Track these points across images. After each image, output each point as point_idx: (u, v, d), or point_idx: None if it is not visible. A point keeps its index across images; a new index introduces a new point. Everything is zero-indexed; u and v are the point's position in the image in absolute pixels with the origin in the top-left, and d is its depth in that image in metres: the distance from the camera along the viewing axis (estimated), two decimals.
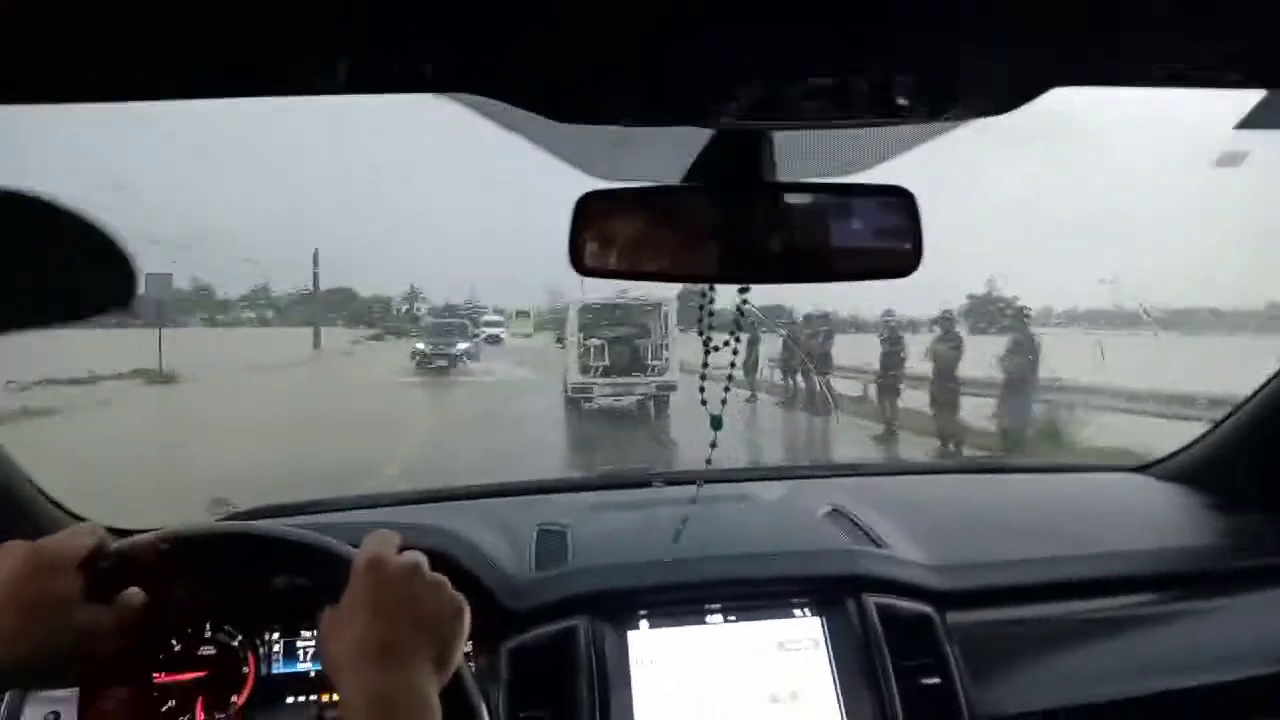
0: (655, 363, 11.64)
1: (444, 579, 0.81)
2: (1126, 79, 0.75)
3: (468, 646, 1.11)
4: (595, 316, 11.95)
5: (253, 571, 1.02)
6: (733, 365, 1.11)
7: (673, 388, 11.13)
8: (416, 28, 0.61)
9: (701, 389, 1.15)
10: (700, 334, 1.05)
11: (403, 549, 0.82)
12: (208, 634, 1.08)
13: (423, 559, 0.81)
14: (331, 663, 0.74)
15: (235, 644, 1.08)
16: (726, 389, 1.10)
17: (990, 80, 0.70)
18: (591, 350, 11.55)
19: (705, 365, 1.11)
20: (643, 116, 0.73)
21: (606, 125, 0.74)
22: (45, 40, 0.59)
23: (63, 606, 0.75)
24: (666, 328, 11.75)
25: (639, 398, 11.53)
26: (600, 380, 11.43)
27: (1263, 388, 1.55)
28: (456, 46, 0.64)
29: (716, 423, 1.14)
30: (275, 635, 1.10)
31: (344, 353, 23.28)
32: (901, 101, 0.66)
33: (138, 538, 0.87)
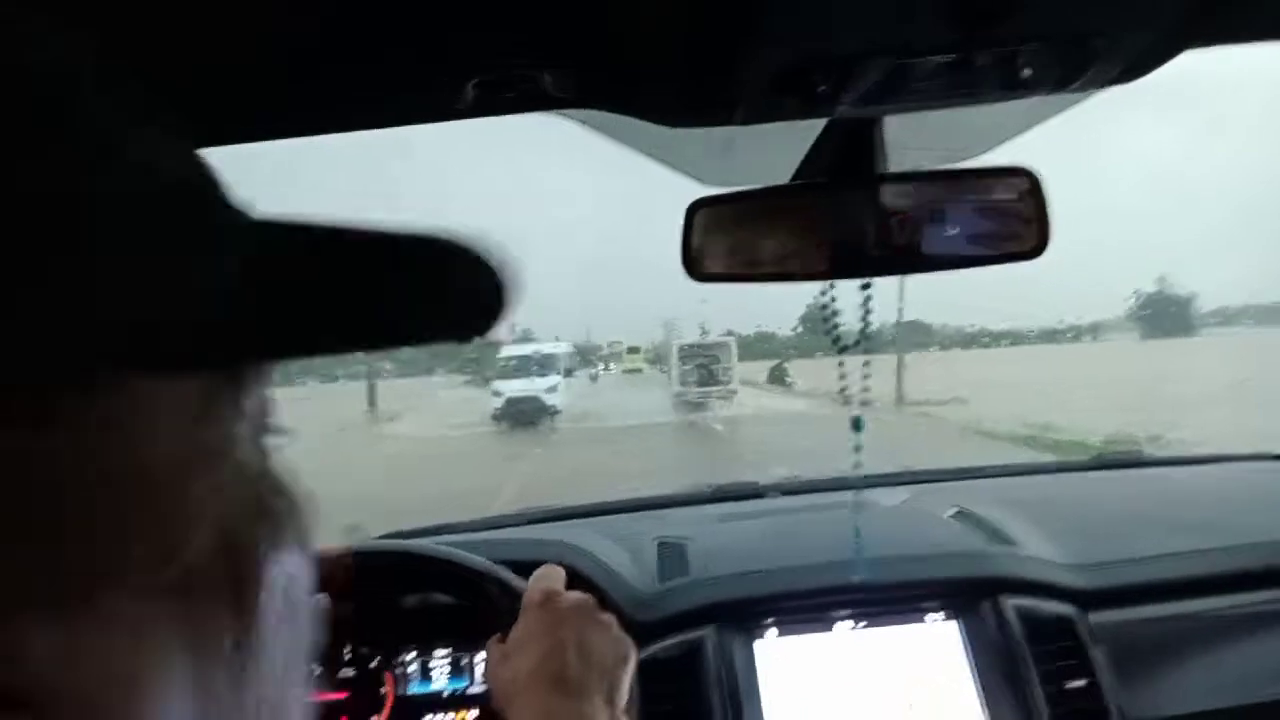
0: (723, 378, 19.42)
1: (612, 619, 0.81)
2: (1270, 32, 0.70)
3: None
4: (687, 351, 19.67)
5: (422, 593, 1.05)
6: (866, 364, 1.06)
7: (734, 393, 19.05)
8: (529, 45, 0.62)
9: (843, 390, 1.07)
10: (829, 334, 1.00)
11: (534, 565, 0.84)
12: (348, 654, 1.11)
13: (592, 599, 0.82)
14: (502, 691, 0.76)
15: (373, 665, 1.11)
16: (866, 389, 1.06)
17: (1121, 44, 0.67)
18: (685, 372, 19.48)
19: (841, 365, 1.07)
20: (759, 113, 0.72)
21: (723, 126, 0.74)
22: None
23: None
24: (730, 357, 19.58)
25: (714, 398, 19.10)
26: (692, 388, 19.23)
27: None
28: (570, 60, 0.65)
29: (858, 424, 1.10)
30: (411, 655, 1.13)
31: (410, 409, 22.88)
32: (1027, 73, 0.64)
33: (324, 547, 0.91)
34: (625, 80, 0.68)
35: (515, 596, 0.84)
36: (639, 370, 27.00)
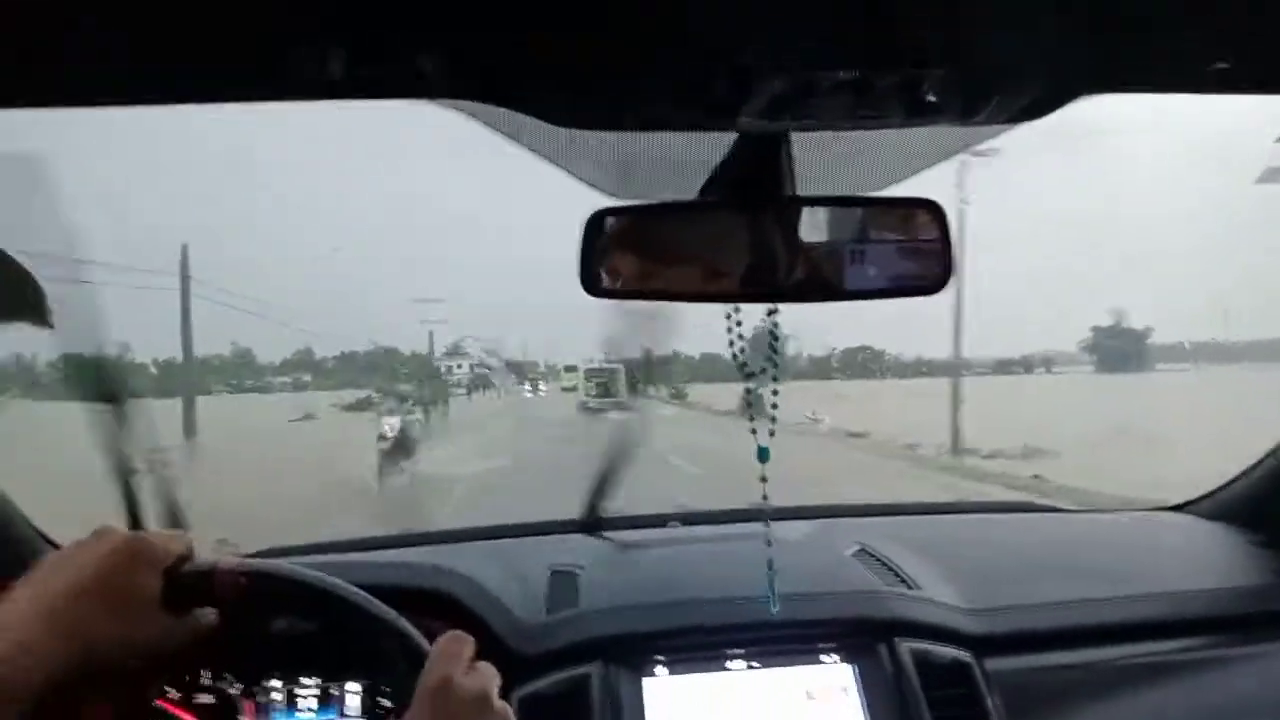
0: (614, 393, 23.50)
1: (508, 710, 0.78)
2: (1167, 84, 0.71)
3: None
4: (591, 373, 25.67)
5: (316, 626, 0.99)
6: (775, 394, 1.04)
7: (626, 406, 18.22)
8: (417, 26, 0.58)
9: (750, 417, 1.06)
10: (735, 359, 0.96)
11: (412, 591, 0.78)
12: (206, 680, 1.02)
13: (492, 686, 0.78)
14: None
15: (233, 691, 1.02)
16: (773, 419, 1.04)
17: (1023, 82, 0.66)
18: (588, 388, 25.45)
19: (748, 392, 1.05)
20: (657, 120, 0.70)
21: (623, 132, 0.71)
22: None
23: (144, 607, 0.73)
24: (620, 379, 23.20)
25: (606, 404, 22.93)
26: (593, 399, 24.35)
27: None
28: (461, 48, 0.61)
29: (764, 454, 1.07)
30: (276, 683, 1.04)
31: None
32: (931, 99, 0.63)
33: (221, 560, 0.83)
34: (517, 76, 0.65)
35: (414, 653, 0.80)
36: (574, 388, 28.45)
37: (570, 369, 32.19)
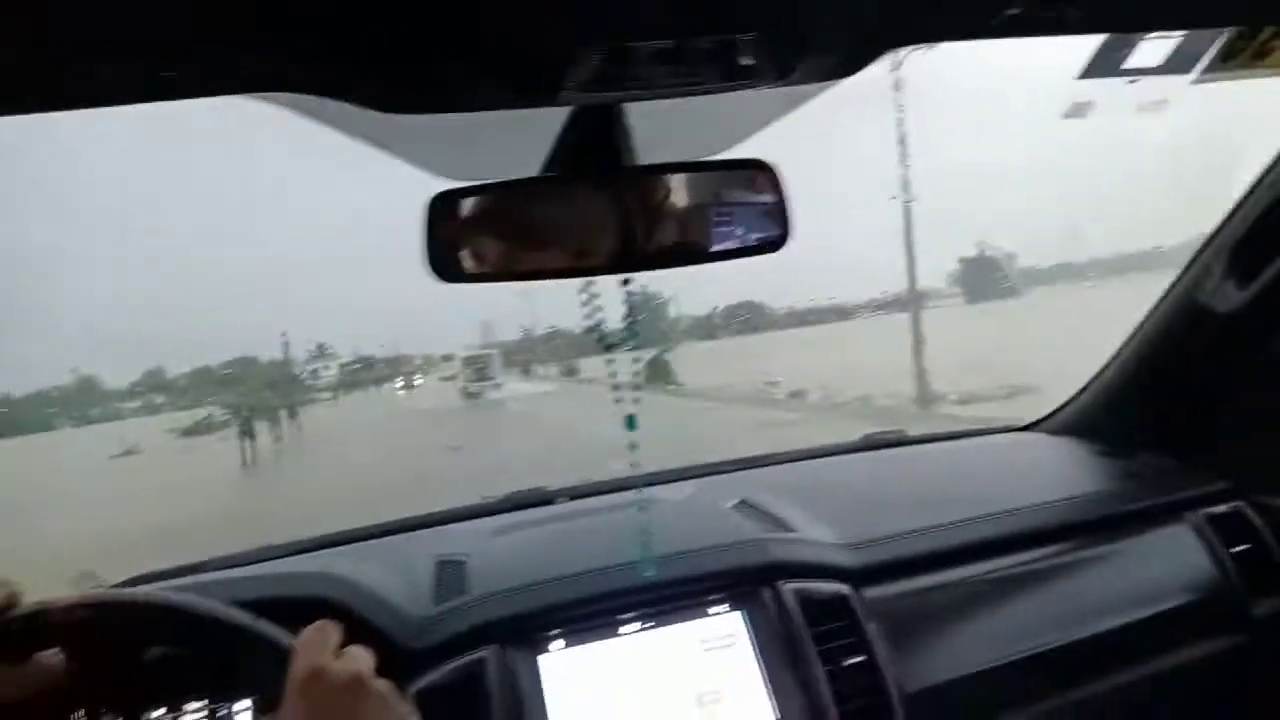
0: (489, 375, 26.32)
1: (389, 687, 0.75)
2: (963, 32, 0.75)
3: None
4: (468, 360, 27.07)
5: (176, 648, 0.93)
6: (636, 362, 1.06)
7: (499, 385, 26.14)
8: (219, 21, 0.55)
9: (615, 386, 1.06)
10: (593, 332, 0.97)
11: (291, 601, 0.75)
12: (79, 718, 0.95)
13: (365, 667, 0.75)
14: None
15: None
16: (636, 387, 1.06)
17: (829, 41, 0.69)
18: (467, 373, 26.63)
19: (611, 363, 1.06)
20: (478, 99, 0.68)
21: (444, 113, 0.70)
22: None
23: None
24: (495, 363, 27.01)
25: (485, 386, 25.70)
26: (471, 383, 26.01)
27: (1134, 334, 1.63)
28: (269, 40, 0.58)
29: (631, 422, 1.08)
30: (159, 713, 0.98)
31: None
32: (746, 62, 0.64)
33: (53, 599, 0.78)
34: (329, 63, 0.62)
35: (282, 655, 0.76)
36: (454, 376, 28.75)
37: (447, 358, 32.78)
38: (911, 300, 13.29)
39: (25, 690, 0.74)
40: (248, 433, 16.18)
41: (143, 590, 1.10)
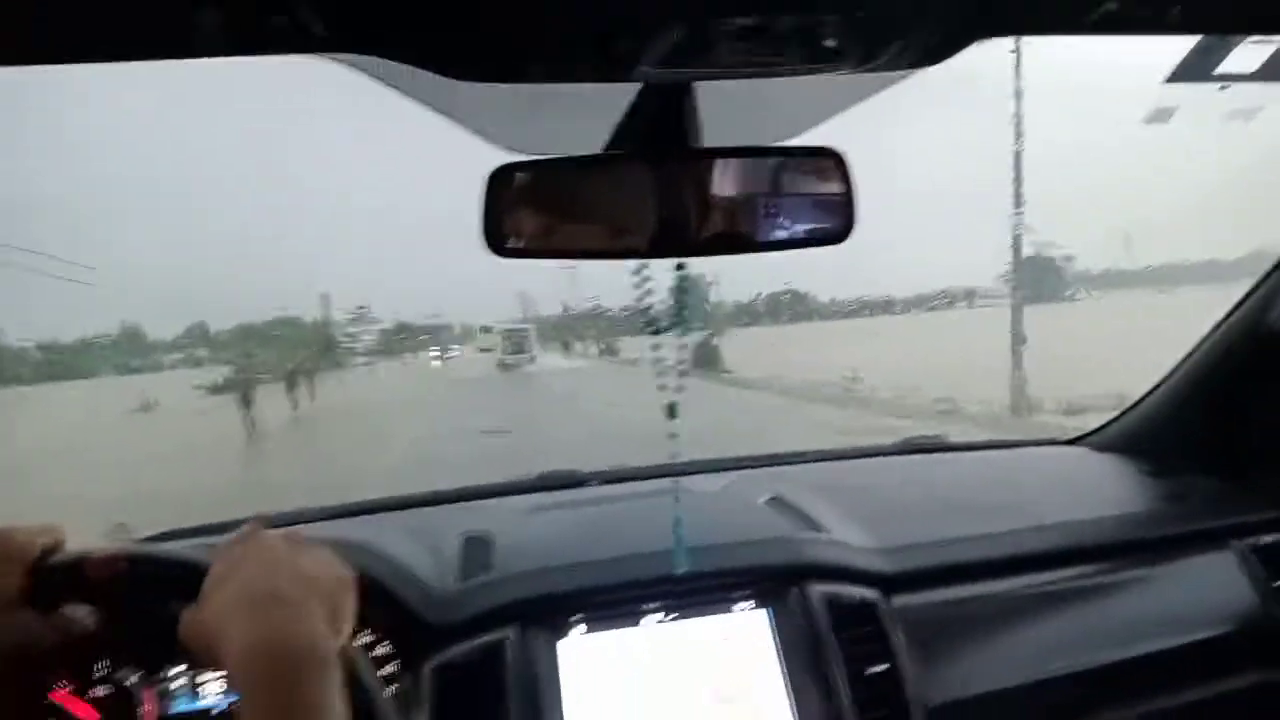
0: (526, 349, 28.18)
1: (327, 550, 0.73)
2: (1057, 25, 0.72)
3: (392, 667, 1.03)
4: (505, 334, 28.88)
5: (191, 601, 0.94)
6: (684, 348, 1.03)
7: (534, 358, 28.09)
8: None
9: (660, 373, 1.04)
10: (644, 314, 0.96)
11: None
12: (102, 671, 0.97)
13: (300, 532, 0.74)
14: (202, 635, 0.64)
15: (131, 682, 0.97)
16: (683, 373, 1.03)
17: (919, 26, 0.66)
18: (504, 345, 28.26)
19: (657, 349, 1.04)
20: (554, 71, 0.67)
21: (515, 84, 0.68)
22: None
23: (4, 608, 0.68)
24: (531, 337, 29.13)
25: (521, 359, 27.69)
26: (509, 355, 27.70)
27: (1191, 353, 1.57)
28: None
29: (673, 411, 1.05)
30: (177, 670, 0.99)
31: None
32: (830, 44, 0.62)
33: (93, 551, 0.77)
34: (404, 26, 0.61)
35: None
36: (492, 349, 29.76)
37: (486, 330, 33.22)
38: (1016, 294, 11.25)
39: (57, 637, 0.75)
40: (248, 401, 15.14)
41: (175, 548, 1.11)
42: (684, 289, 0.96)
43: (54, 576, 0.73)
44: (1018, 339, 10.61)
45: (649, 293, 0.95)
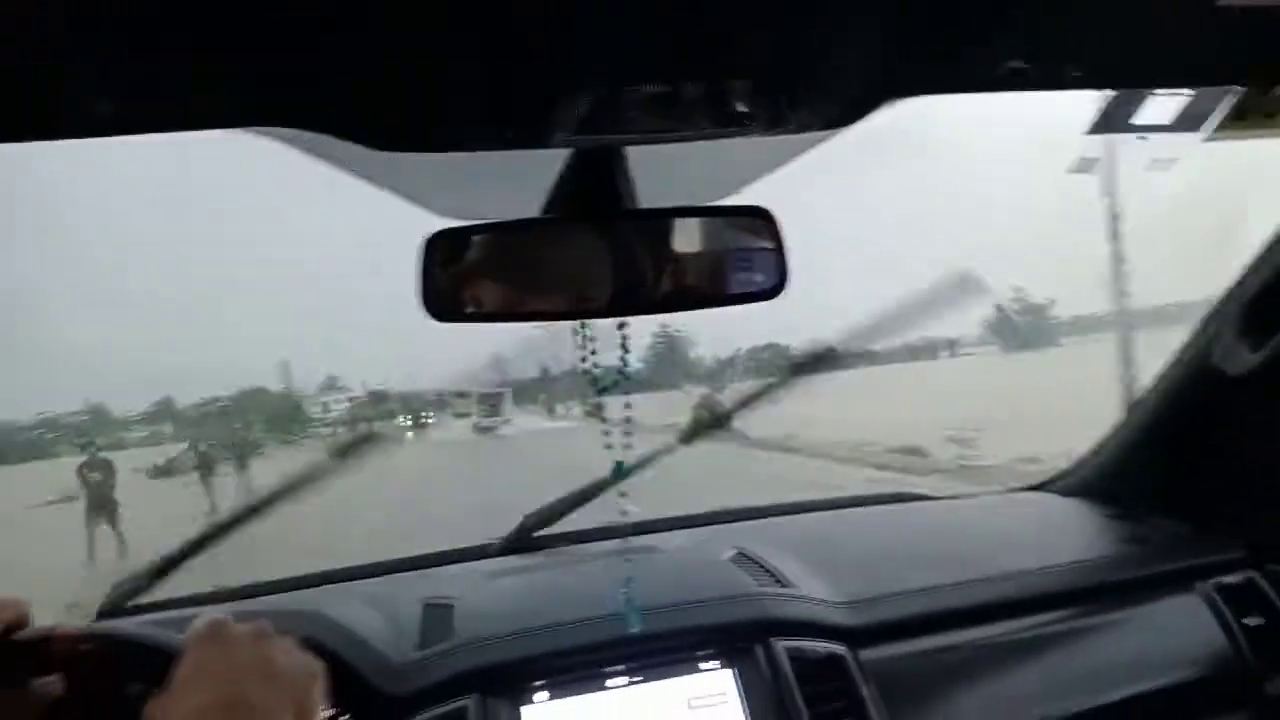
0: (501, 413, 29.21)
1: (293, 641, 0.74)
2: (965, 85, 0.75)
3: None
4: (480, 398, 29.96)
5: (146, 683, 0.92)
6: (628, 407, 1.04)
7: (508, 421, 28.91)
8: (215, 56, 0.55)
9: (605, 432, 1.07)
10: (587, 374, 0.97)
11: None
12: None
13: (267, 624, 0.73)
14: None
15: None
16: (627, 433, 1.04)
17: (825, 91, 0.69)
18: (479, 409, 29.43)
19: (600, 408, 1.04)
20: (475, 139, 0.68)
21: (441, 153, 0.70)
22: None
23: None
24: (506, 401, 30.24)
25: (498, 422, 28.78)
26: (484, 419, 28.88)
27: (1147, 394, 1.59)
28: (264, 71, 0.59)
29: (619, 470, 1.06)
30: None
31: None
32: (739, 109, 0.64)
33: (59, 626, 0.77)
34: (325, 99, 0.62)
35: None
36: (468, 414, 30.35)
37: (462, 395, 34.09)
38: (1121, 339, 10.49)
39: (18, 716, 0.72)
40: (208, 473, 14.14)
41: (141, 626, 1.08)
42: (625, 348, 0.96)
43: (16, 652, 0.72)
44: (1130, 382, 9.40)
45: (593, 353, 0.95)
